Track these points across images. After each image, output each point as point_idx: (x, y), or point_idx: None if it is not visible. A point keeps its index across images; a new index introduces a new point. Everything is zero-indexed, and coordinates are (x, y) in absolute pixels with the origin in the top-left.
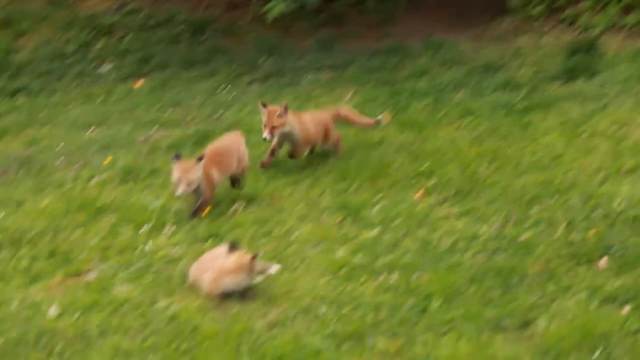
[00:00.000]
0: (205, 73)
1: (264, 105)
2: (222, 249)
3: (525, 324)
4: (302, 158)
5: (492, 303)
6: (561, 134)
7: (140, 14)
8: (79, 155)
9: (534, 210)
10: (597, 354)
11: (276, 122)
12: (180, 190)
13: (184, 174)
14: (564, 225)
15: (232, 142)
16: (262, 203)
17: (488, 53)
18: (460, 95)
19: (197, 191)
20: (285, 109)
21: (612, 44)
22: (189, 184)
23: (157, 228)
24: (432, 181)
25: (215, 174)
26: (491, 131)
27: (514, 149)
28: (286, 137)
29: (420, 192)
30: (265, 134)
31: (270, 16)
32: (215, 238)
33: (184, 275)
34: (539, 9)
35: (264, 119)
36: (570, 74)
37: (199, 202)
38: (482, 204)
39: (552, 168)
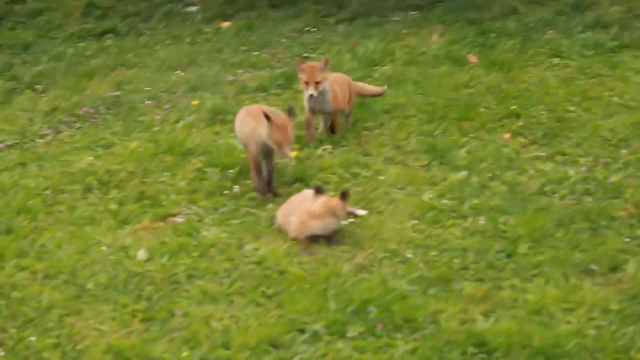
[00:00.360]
0: (291, 14)
1: (302, 62)
2: (309, 192)
3: (614, 268)
4: (340, 130)
5: (580, 247)
6: None
7: None
8: (167, 96)
9: (624, 152)
10: None
11: (319, 76)
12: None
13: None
14: None
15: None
16: (348, 146)
17: None
18: (549, 34)
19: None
20: (326, 64)
21: None
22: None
23: (244, 171)
24: (519, 123)
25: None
26: (580, 71)
27: (604, 89)
28: (318, 101)
29: (508, 133)
30: (311, 89)
31: None
32: (302, 182)
33: (271, 219)
34: None
35: (305, 75)
36: None
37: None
38: (571, 146)
39: None
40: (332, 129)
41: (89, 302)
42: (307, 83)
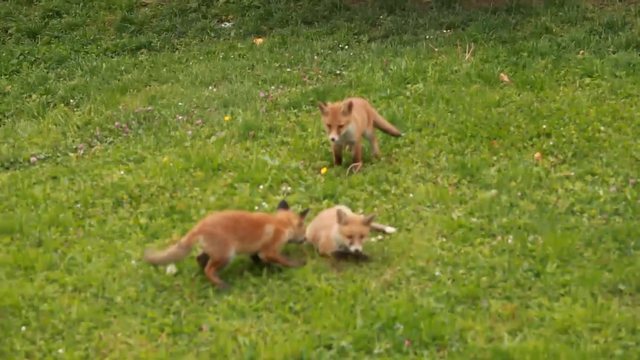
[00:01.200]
0: (325, 31)
1: (324, 105)
2: (340, 208)
3: None
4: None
5: (608, 266)
6: None
7: None
8: (199, 112)
9: None
10: None
11: (342, 120)
12: (334, 134)
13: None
14: None
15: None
16: (378, 164)
17: (611, 11)
18: (581, 54)
19: (347, 138)
20: (349, 107)
21: None
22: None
23: (274, 187)
24: (550, 142)
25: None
26: (611, 91)
27: (635, 109)
28: (346, 136)
29: (538, 153)
30: (333, 134)
31: None
32: (331, 198)
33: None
34: None
35: (328, 118)
36: None
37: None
38: (601, 166)
39: None
40: (355, 159)
41: (118, 315)
42: (329, 126)
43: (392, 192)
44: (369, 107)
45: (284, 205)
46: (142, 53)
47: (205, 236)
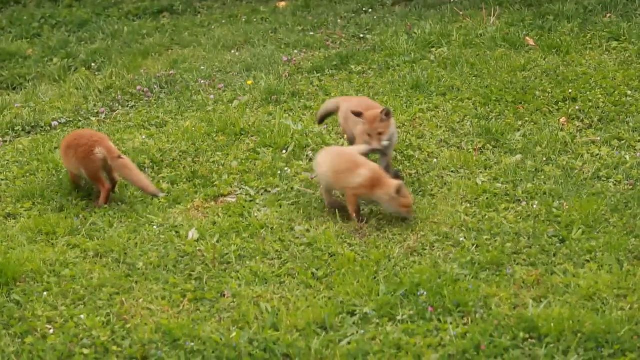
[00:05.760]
0: None
1: (359, 115)
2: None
3: None
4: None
5: (634, 232)
6: None
7: None
8: (221, 76)
9: None
10: None
11: (381, 127)
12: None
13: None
14: None
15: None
16: (402, 128)
17: None
18: (608, 17)
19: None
20: (388, 114)
21: None
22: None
23: (297, 152)
24: (576, 106)
25: None
26: (639, 55)
27: None
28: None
29: (564, 117)
30: (375, 144)
31: None
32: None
33: (323, 201)
34: None
35: (366, 127)
36: None
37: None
38: (627, 131)
39: None
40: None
41: (139, 281)
42: (370, 135)
43: (416, 157)
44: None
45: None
46: (164, 16)
47: None
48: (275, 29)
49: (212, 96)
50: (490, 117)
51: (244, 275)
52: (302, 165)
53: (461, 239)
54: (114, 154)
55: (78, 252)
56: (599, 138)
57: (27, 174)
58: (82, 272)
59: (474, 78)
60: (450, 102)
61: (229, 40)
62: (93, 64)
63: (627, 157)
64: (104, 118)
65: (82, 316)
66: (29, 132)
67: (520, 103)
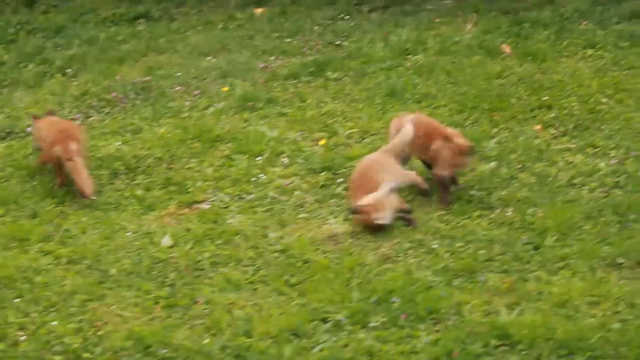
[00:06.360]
0: (325, 1)
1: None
2: None
3: None
4: None
5: (607, 240)
6: None
7: None
8: (197, 83)
9: None
10: None
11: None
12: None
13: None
14: None
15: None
16: (377, 135)
17: None
18: (584, 25)
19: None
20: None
21: None
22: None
23: (272, 159)
24: (551, 114)
25: None
26: (614, 63)
27: (637, 81)
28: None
29: (539, 125)
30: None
31: None
32: (329, 171)
33: (297, 207)
34: None
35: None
36: None
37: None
38: (602, 138)
39: None
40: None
41: (112, 287)
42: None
43: None
44: None
45: None
46: (140, 23)
47: None
48: (252, 36)
49: (187, 103)
50: (465, 124)
51: (217, 282)
52: (276, 171)
53: (435, 246)
54: (68, 155)
55: (51, 258)
56: (573, 145)
57: (1, 180)
58: (55, 279)
59: (449, 85)
60: (426, 109)
61: (205, 46)
62: (69, 70)
63: (602, 164)
64: (80, 124)
65: (54, 323)
66: (3, 138)
67: (496, 110)
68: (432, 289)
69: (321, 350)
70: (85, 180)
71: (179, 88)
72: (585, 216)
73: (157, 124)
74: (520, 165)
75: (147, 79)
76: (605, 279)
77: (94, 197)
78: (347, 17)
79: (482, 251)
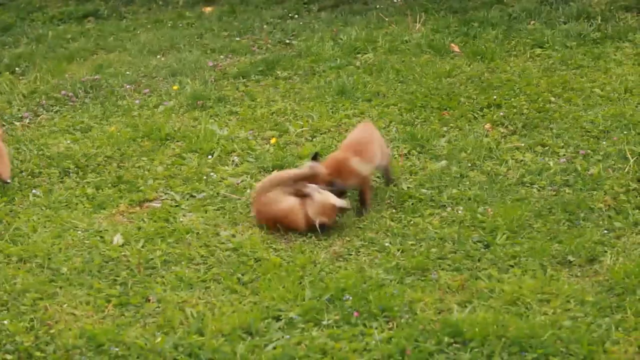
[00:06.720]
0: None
1: None
2: None
3: (591, 259)
4: None
5: (557, 238)
6: (634, 66)
7: None
8: (147, 81)
9: (604, 143)
10: None
11: None
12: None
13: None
14: (633, 159)
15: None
16: (328, 134)
17: None
18: (532, 25)
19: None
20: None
21: None
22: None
23: (223, 157)
24: (500, 112)
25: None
26: (562, 62)
27: (585, 80)
28: None
29: (489, 124)
30: None
31: None
32: (280, 169)
33: (248, 206)
34: None
35: None
36: None
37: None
38: (551, 137)
39: (624, 101)
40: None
41: (64, 286)
42: None
43: None
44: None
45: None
46: (89, 21)
47: None
48: (201, 34)
49: (137, 101)
50: (415, 123)
51: (169, 280)
52: (227, 170)
53: (386, 244)
54: None
55: (1, 257)
56: (522, 144)
57: None
58: (6, 278)
59: (399, 84)
60: (376, 108)
61: (155, 45)
62: (17, 68)
63: (551, 163)
64: (28, 123)
65: (5, 322)
66: None
67: (445, 109)
68: (384, 287)
69: (274, 348)
70: (3, 164)
71: (128, 86)
72: (536, 214)
73: (107, 122)
74: (470, 164)
75: (96, 77)
76: (555, 277)
77: (9, 181)
78: (297, 15)
79: (433, 249)
